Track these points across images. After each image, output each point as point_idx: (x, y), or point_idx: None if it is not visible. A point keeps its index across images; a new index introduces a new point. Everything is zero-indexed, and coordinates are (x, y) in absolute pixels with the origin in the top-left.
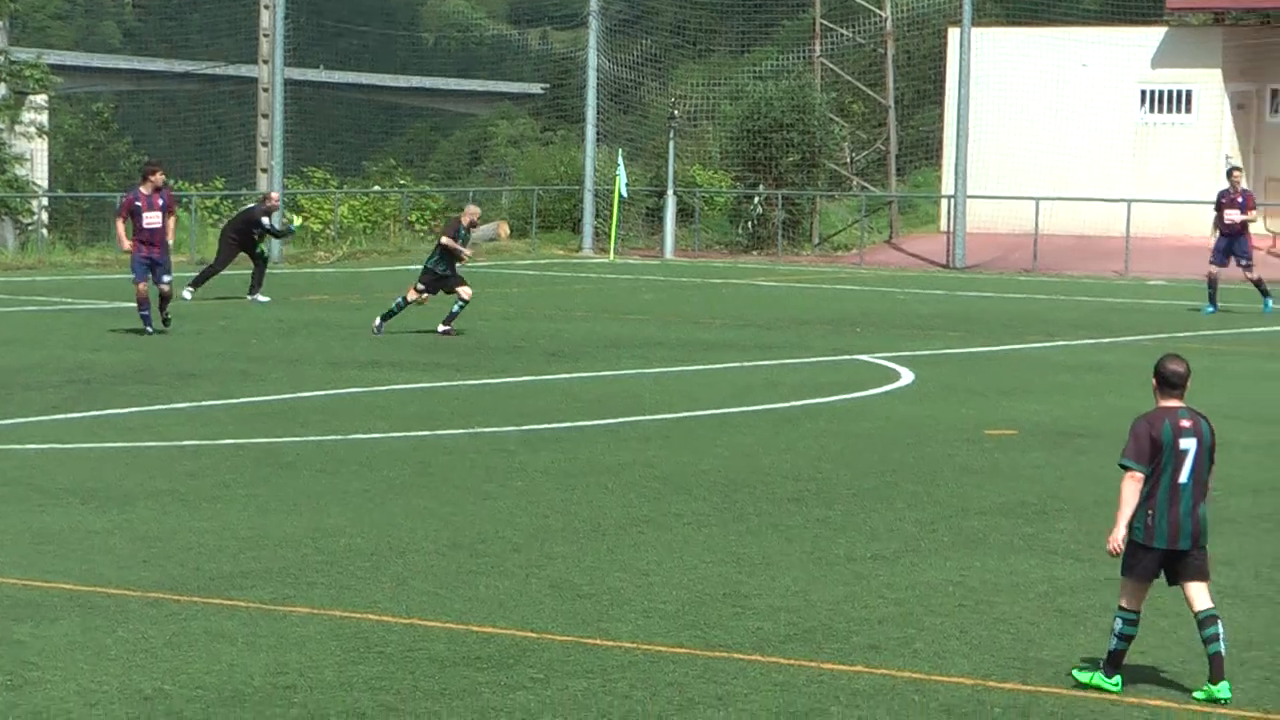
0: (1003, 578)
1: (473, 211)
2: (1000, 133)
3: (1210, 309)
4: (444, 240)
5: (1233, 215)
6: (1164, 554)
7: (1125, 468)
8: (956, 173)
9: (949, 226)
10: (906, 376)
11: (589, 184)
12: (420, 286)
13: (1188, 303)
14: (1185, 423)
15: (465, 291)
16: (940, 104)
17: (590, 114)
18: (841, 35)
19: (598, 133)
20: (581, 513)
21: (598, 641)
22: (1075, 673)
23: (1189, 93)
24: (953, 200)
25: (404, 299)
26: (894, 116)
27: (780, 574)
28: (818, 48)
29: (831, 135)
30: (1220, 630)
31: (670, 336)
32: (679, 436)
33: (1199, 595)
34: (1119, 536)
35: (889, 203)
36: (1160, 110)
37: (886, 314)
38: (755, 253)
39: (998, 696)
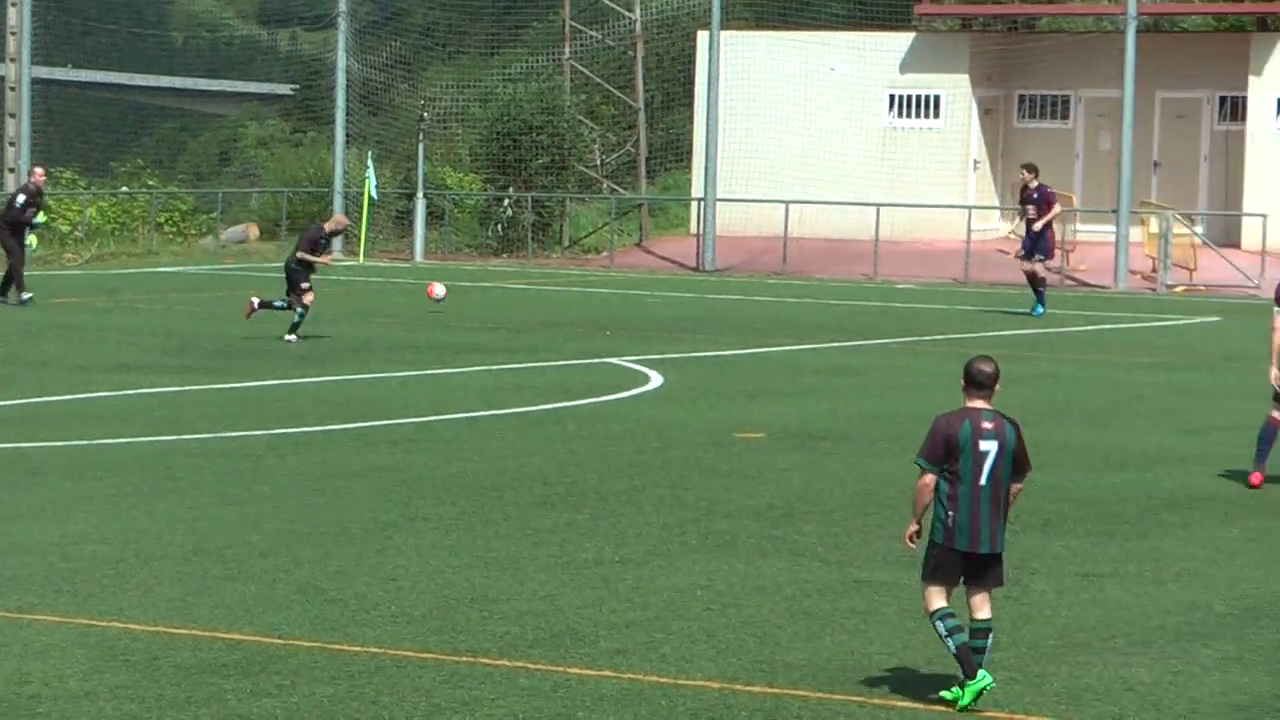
0: (750, 580)
1: (339, 221)
2: (750, 136)
3: (1040, 309)
4: (300, 254)
5: (1030, 213)
6: (965, 556)
7: (919, 466)
8: (706, 176)
9: (699, 229)
10: (655, 379)
11: (338, 186)
12: (305, 286)
13: (936, 306)
14: (987, 424)
15: (308, 298)
16: (690, 107)
17: (339, 116)
18: (591, 37)
19: (347, 134)
20: (328, 517)
21: (344, 647)
22: (944, 694)
23: (937, 97)
24: (702, 203)
25: (298, 305)
26: (644, 119)
27: (528, 578)
28: (567, 50)
29: (581, 138)
30: (988, 645)
31: (419, 340)
32: (427, 440)
33: (982, 605)
34: (910, 530)
35: (639, 205)
36: (908, 115)
37: (636, 317)
38: (505, 255)
39: (744, 700)
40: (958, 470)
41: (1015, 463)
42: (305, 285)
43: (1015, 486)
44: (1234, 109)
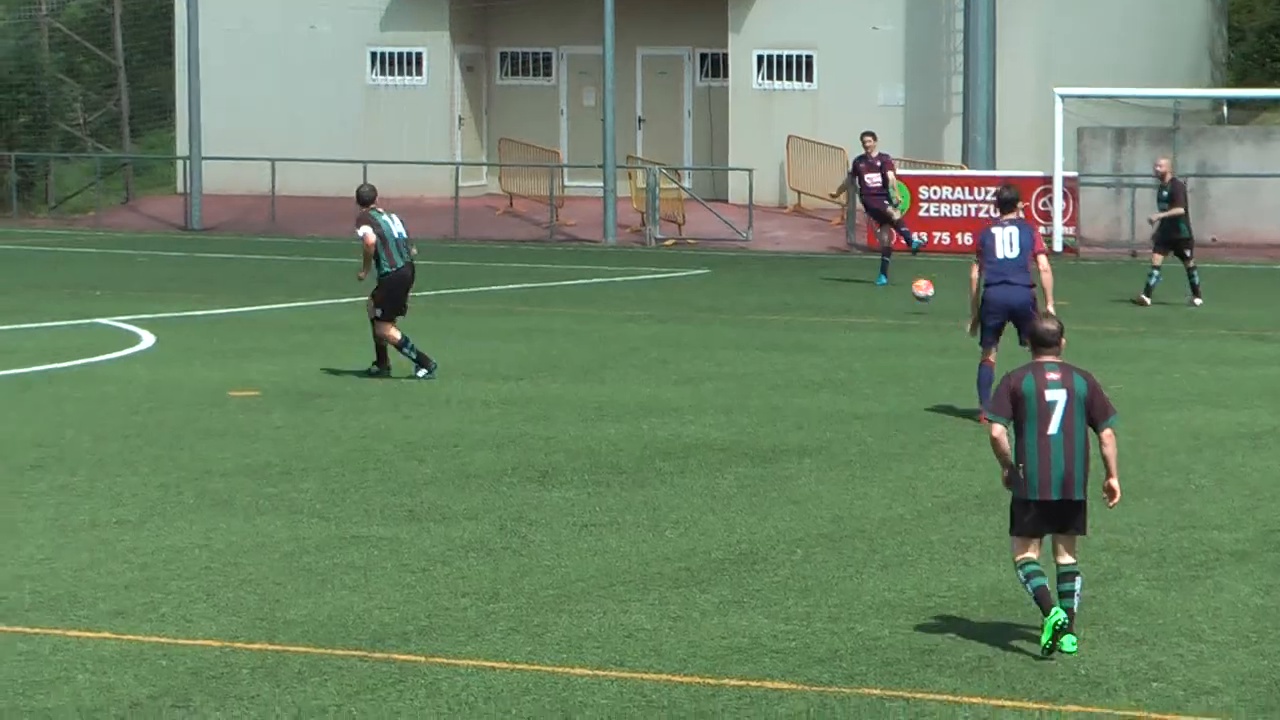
0: (248, 539)
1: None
2: (234, 94)
3: (883, 280)
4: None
5: (874, 179)
6: (1042, 505)
7: (989, 419)
8: (190, 134)
9: (186, 188)
10: (148, 340)
11: None
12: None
13: (424, 262)
14: (1052, 375)
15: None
16: (171, 65)
17: None
18: None
19: None
20: None
21: None
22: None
23: (419, 55)
24: (188, 161)
25: None
26: (124, 77)
27: (24, 542)
28: (44, 7)
29: (62, 96)
30: (1075, 588)
31: None
32: None
33: (1064, 552)
34: (1004, 475)
35: (124, 164)
36: (390, 73)
37: (126, 277)
38: None
39: (245, 657)
40: (1024, 422)
41: (1090, 410)
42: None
43: (1105, 433)
44: (714, 66)
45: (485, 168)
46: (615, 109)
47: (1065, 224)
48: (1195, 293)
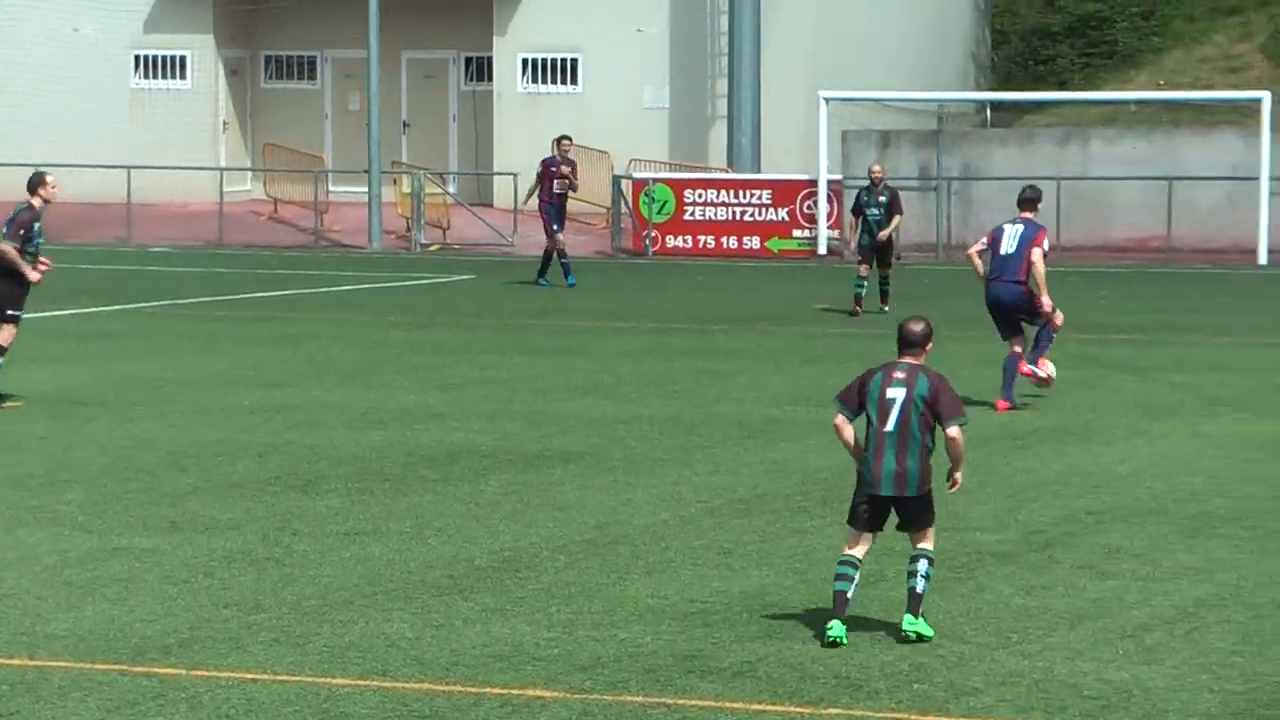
0: (10, 551)
1: None
2: None
3: (545, 282)
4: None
5: (562, 183)
6: (882, 500)
7: (835, 406)
8: None
9: None
10: None
11: None
12: None
13: (191, 269)
14: (899, 374)
15: None
16: None
17: None
18: None
19: None
20: None
21: None
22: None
23: (183, 58)
24: None
25: None
26: None
27: None
28: None
29: None
30: (919, 569)
31: None
32: None
33: (916, 540)
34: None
35: None
36: (155, 76)
37: None
38: None
39: (5, 673)
40: (867, 417)
41: (934, 408)
42: None
43: (950, 431)
44: (480, 69)
45: (250, 173)
46: (380, 113)
47: (830, 226)
48: (884, 300)
